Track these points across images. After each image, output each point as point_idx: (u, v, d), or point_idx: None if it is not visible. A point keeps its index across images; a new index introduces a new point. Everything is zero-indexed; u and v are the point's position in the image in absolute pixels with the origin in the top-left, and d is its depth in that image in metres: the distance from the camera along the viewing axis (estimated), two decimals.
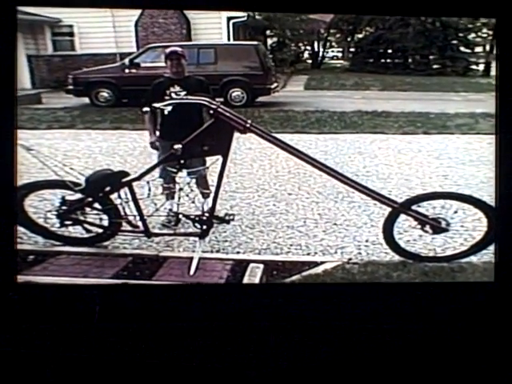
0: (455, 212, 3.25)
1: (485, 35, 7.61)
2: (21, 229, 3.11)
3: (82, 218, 3.20)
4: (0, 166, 2.62)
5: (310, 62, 7.85)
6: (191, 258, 3.08)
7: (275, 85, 6.24)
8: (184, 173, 3.23)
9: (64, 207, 3.17)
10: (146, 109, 3.27)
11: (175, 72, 3.48)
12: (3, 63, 2.61)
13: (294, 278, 3.06)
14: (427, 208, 3.19)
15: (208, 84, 3.53)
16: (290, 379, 2.58)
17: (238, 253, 3.25)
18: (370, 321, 2.71)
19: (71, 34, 6.67)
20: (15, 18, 2.65)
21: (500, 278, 2.91)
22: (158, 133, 3.50)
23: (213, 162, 3.10)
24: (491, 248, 3.09)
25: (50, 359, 2.48)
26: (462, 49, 7.78)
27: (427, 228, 3.19)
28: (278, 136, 3.22)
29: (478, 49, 7.84)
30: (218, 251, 3.25)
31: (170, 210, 3.37)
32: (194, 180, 3.29)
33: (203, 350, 2.58)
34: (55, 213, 3.18)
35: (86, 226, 3.23)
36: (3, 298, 2.60)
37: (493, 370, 2.60)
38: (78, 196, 3.16)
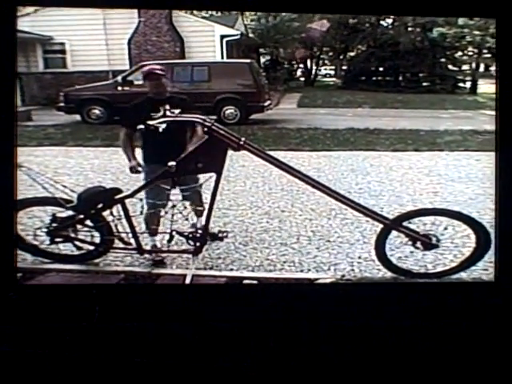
0: (445, 228, 3.27)
1: (471, 53, 7.77)
2: None
3: (72, 234, 3.17)
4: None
5: (303, 79, 7.95)
6: (184, 275, 3.06)
7: (268, 102, 6.30)
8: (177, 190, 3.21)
9: (54, 224, 3.14)
10: (141, 126, 3.11)
11: (156, 92, 3.33)
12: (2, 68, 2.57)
13: None
14: (418, 224, 3.21)
15: (191, 102, 3.44)
16: (290, 379, 2.55)
17: (232, 270, 3.24)
18: (369, 321, 2.69)
19: (63, 52, 6.69)
20: (15, 19, 2.60)
21: (500, 278, 2.91)
22: (141, 156, 3.35)
23: (206, 180, 3.10)
24: (480, 264, 3.11)
25: (50, 359, 2.44)
26: (450, 67, 7.92)
27: (418, 244, 3.20)
28: (272, 153, 3.23)
29: (465, 67, 7.99)
30: (211, 268, 3.24)
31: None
32: (187, 197, 3.24)
33: (203, 349, 2.55)
34: (45, 230, 3.15)
35: (77, 243, 3.20)
36: (3, 298, 2.55)
37: (493, 369, 2.59)
38: (69, 213, 3.13)
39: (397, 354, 2.62)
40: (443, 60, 7.83)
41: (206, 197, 3.10)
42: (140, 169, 3.31)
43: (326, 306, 2.72)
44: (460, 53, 7.82)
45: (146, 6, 4.90)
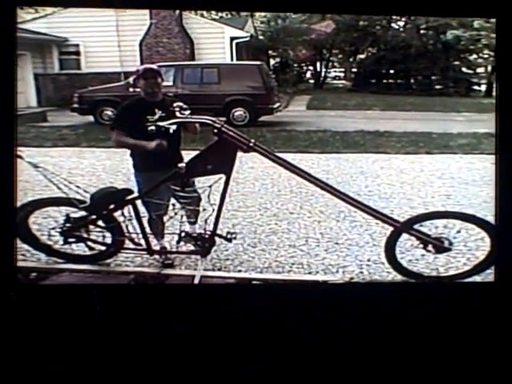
0: (458, 231, 3.24)
1: (486, 56, 7.69)
2: (24, 246, 3.13)
3: (85, 235, 3.21)
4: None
5: (312, 82, 7.93)
6: (193, 276, 3.08)
7: (278, 104, 6.30)
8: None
9: (68, 224, 3.18)
10: (152, 128, 2.95)
11: (151, 93, 3.14)
12: (2, 70, 2.60)
13: None
14: (430, 227, 3.18)
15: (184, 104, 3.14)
16: (290, 379, 2.55)
17: (240, 271, 3.24)
18: (370, 321, 2.69)
19: (77, 53, 6.78)
20: (15, 18, 2.62)
21: (500, 278, 2.89)
22: (132, 164, 3.22)
23: (215, 181, 3.11)
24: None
25: (50, 359, 2.47)
26: (464, 70, 7.86)
27: (430, 247, 3.17)
28: (281, 155, 3.23)
29: (480, 70, 7.92)
30: (219, 269, 3.25)
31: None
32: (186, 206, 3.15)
33: (203, 349, 2.56)
34: (59, 230, 3.19)
35: (90, 243, 3.24)
36: (3, 298, 2.58)
37: (493, 369, 2.58)
38: (82, 213, 3.17)
39: (396, 354, 2.62)
40: (457, 63, 7.76)
41: (215, 198, 3.10)
42: (164, 143, 3.05)
43: (329, 306, 2.72)
44: (475, 55, 7.76)
45: (153, 7, 4.92)
